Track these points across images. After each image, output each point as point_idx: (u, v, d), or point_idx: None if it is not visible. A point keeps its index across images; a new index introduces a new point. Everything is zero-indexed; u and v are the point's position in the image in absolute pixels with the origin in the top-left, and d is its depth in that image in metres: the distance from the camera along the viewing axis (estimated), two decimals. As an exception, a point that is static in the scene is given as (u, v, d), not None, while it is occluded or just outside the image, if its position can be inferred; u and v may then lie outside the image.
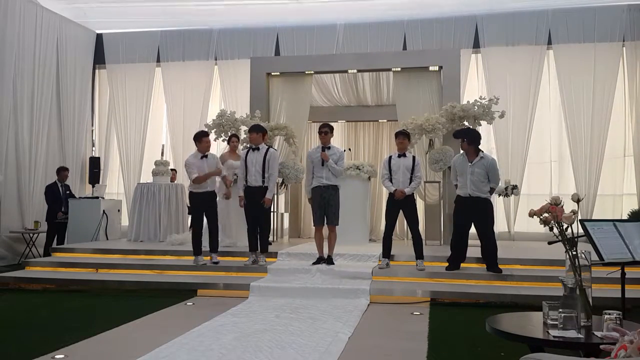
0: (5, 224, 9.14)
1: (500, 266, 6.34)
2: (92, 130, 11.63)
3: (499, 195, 8.59)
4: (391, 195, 6.58)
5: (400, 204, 6.55)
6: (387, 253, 6.64)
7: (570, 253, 2.88)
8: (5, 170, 9.17)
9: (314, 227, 6.79)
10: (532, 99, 9.92)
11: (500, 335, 2.84)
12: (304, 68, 9.47)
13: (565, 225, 2.99)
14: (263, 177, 6.58)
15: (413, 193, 6.67)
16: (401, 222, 8.55)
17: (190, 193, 6.92)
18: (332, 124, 6.91)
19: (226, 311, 5.18)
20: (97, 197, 9.30)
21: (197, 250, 6.88)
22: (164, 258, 7.35)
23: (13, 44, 9.27)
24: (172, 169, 9.44)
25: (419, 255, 6.52)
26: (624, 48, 9.82)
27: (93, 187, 10.50)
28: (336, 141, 11.14)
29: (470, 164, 6.23)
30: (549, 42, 10.02)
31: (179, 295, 5.92)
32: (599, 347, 2.20)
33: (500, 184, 8.84)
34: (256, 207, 6.60)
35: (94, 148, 11.63)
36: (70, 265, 7.18)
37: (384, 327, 4.77)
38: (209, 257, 6.87)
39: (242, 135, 8.68)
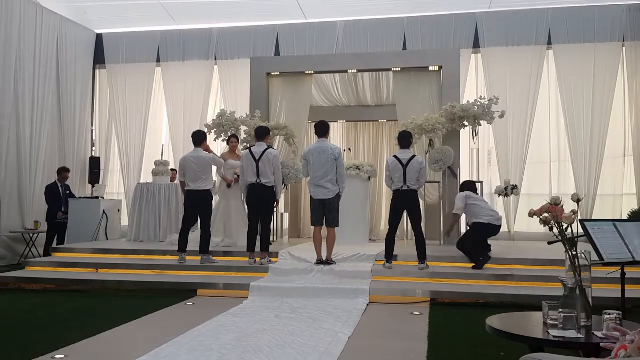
0: (5, 224, 9.13)
1: (500, 266, 6.42)
2: (92, 130, 11.62)
3: (499, 195, 8.58)
4: (395, 195, 6.52)
5: (404, 203, 6.47)
6: (390, 255, 6.53)
7: (570, 253, 2.88)
8: (6, 170, 9.17)
9: (312, 227, 6.79)
10: (532, 99, 9.91)
11: (500, 335, 2.84)
12: (304, 68, 9.47)
13: (565, 225, 2.99)
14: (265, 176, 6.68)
15: (417, 192, 6.54)
16: (401, 222, 8.53)
17: (187, 191, 6.93)
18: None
19: (226, 311, 5.17)
20: (97, 197, 9.30)
21: (180, 246, 6.93)
22: (164, 258, 7.35)
23: (13, 44, 9.26)
24: (172, 169, 9.44)
25: (422, 256, 6.43)
26: (624, 48, 9.81)
27: (93, 187, 10.50)
28: (336, 141, 11.16)
29: None
30: (549, 42, 10.01)
31: (179, 295, 5.92)
32: (599, 346, 2.20)
33: (499, 184, 8.90)
34: (262, 205, 6.67)
35: (94, 148, 11.62)
36: (70, 265, 7.18)
37: (384, 327, 4.77)
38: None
39: (242, 136, 8.68)
